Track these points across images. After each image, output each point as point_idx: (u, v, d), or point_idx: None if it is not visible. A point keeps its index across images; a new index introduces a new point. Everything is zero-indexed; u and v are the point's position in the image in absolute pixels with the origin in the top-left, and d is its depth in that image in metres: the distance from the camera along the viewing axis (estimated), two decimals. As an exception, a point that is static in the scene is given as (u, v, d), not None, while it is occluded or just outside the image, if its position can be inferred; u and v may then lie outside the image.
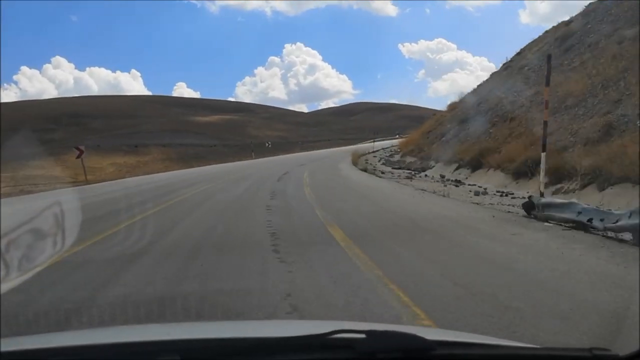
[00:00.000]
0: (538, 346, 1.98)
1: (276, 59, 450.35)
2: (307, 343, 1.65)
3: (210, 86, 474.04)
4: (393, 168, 26.68)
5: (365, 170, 24.57)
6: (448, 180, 17.88)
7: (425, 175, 21.14)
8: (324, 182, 19.58)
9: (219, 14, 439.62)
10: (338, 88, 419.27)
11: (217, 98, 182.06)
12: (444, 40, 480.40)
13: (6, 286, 5.43)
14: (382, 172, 23.32)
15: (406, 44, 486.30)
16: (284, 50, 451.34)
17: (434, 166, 23.35)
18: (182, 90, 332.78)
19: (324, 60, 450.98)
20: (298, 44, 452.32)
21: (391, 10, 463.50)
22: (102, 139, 68.21)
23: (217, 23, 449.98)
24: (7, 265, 5.75)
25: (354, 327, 1.79)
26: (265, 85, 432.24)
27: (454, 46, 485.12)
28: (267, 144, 68.26)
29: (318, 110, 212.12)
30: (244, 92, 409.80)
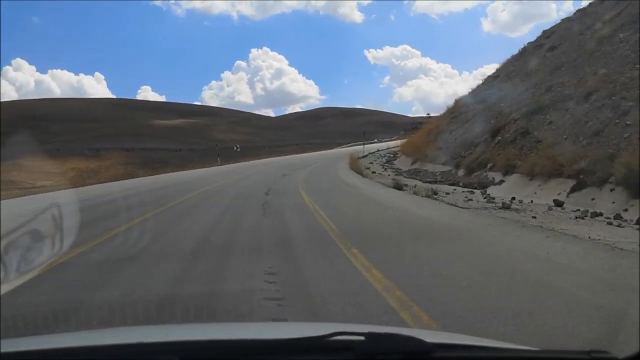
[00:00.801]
0: (537, 349, 1.96)
1: (242, 63, 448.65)
2: (306, 345, 1.63)
3: (176, 90, 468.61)
4: (431, 182, 17.90)
5: (398, 187, 15.72)
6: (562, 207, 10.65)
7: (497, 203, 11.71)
8: (373, 227, 8.93)
9: (185, 17, 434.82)
10: (305, 93, 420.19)
11: (183, 102, 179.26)
12: (408, 47, 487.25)
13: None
14: (434, 193, 13.48)
15: (372, 50, 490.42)
16: (251, 55, 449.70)
17: (502, 181, 15.03)
18: (147, 93, 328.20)
19: (290, 65, 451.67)
20: (264, 48, 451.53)
21: (357, 16, 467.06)
22: (63, 143, 66.18)
23: (183, 26, 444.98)
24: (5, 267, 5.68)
25: (354, 329, 1.70)
26: (231, 90, 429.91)
27: (419, 53, 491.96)
28: (235, 148, 61.86)
29: (285, 114, 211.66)
30: (210, 96, 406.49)
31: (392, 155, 40.03)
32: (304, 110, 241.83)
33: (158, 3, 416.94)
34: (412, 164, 28.36)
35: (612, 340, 3.51)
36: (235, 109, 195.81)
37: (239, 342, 1.81)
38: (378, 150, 48.33)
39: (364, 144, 54.37)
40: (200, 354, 1.67)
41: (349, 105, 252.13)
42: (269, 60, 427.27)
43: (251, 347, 1.70)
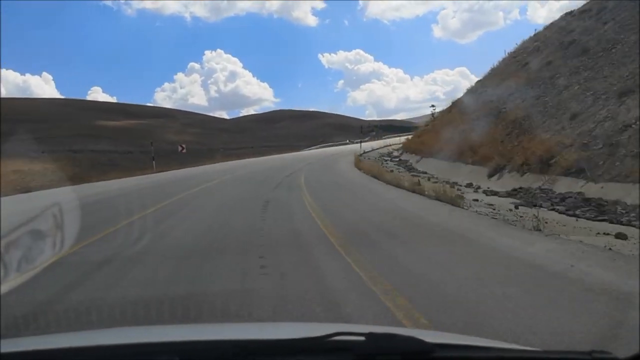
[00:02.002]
0: (538, 349, 1.95)
1: (196, 65, 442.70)
2: (306, 345, 1.64)
3: (128, 91, 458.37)
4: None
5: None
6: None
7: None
8: None
9: (136, 17, 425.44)
10: (259, 96, 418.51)
11: (135, 103, 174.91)
12: (361, 52, 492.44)
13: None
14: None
15: (326, 54, 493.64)
16: (204, 57, 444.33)
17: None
18: (98, 94, 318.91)
19: (244, 67, 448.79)
20: (218, 50, 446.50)
21: (311, 20, 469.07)
22: (6, 144, 63.15)
23: (134, 27, 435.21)
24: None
25: (354, 329, 1.73)
26: (185, 92, 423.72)
27: (371, 57, 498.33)
28: (180, 148, 50.17)
29: (240, 117, 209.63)
30: (163, 98, 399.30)
31: (396, 158, 36.44)
32: (258, 112, 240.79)
33: (108, 3, 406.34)
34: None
35: (613, 341, 3.52)
36: (189, 110, 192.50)
37: (239, 342, 1.79)
38: (366, 152, 44.96)
39: (360, 142, 51.95)
40: (201, 354, 1.67)
41: (304, 108, 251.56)
42: (223, 63, 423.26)
43: (251, 347, 1.69)
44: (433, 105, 38.32)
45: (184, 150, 49.43)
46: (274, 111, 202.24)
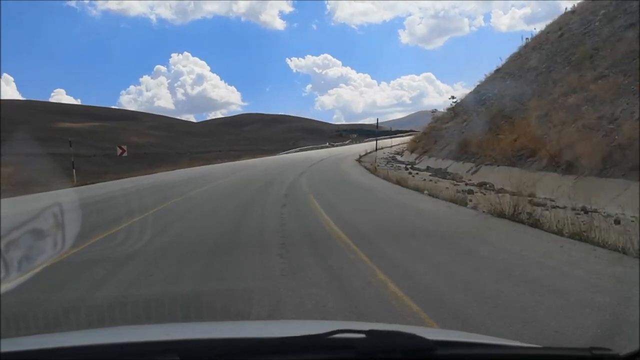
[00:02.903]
0: (538, 346, 1.91)
1: (162, 68, 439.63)
2: (307, 343, 1.63)
3: (93, 93, 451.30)
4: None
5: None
6: None
7: None
8: None
9: (100, 19, 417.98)
10: (227, 99, 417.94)
11: (100, 105, 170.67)
12: (329, 56, 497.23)
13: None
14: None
15: (294, 58, 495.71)
16: (171, 60, 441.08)
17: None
18: (61, 96, 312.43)
19: (212, 71, 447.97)
20: (185, 53, 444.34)
21: (279, 24, 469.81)
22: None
23: (99, 28, 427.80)
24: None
25: (354, 327, 1.75)
26: (151, 94, 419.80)
27: (339, 62, 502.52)
28: (119, 151, 38.70)
29: (208, 120, 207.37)
30: (129, 101, 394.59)
31: (410, 163, 29.31)
32: (226, 116, 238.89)
33: (72, 3, 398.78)
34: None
35: (613, 338, 3.47)
36: (155, 113, 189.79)
37: (240, 341, 1.82)
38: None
39: (376, 140, 47.80)
40: (201, 353, 1.63)
41: (272, 112, 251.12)
42: (190, 66, 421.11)
43: (252, 346, 1.70)
44: (453, 97, 34.56)
45: (125, 154, 38.76)
46: (241, 114, 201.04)
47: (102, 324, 4.84)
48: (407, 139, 55.62)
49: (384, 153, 42.42)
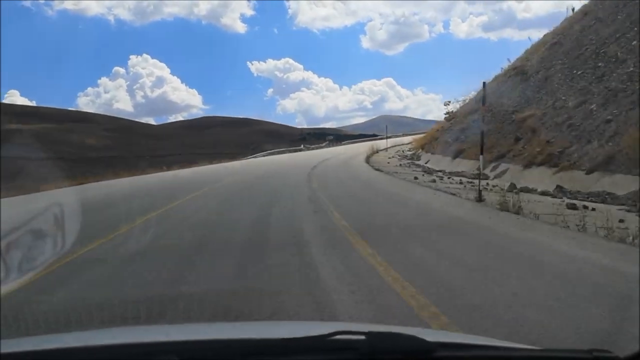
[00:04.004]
0: (539, 348, 1.94)
1: (121, 70, 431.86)
2: (307, 344, 1.62)
3: (49, 95, 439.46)
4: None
5: None
6: None
7: None
8: None
9: (57, 19, 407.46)
10: (188, 102, 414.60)
11: (56, 107, 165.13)
12: (291, 60, 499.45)
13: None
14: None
15: (255, 62, 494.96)
16: (130, 61, 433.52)
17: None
18: (15, 98, 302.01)
19: (172, 73, 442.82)
20: (144, 55, 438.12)
21: (240, 27, 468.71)
22: None
23: (55, 29, 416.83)
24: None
25: (355, 328, 1.74)
26: (109, 97, 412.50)
27: (301, 67, 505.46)
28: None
29: (168, 123, 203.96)
30: (86, 103, 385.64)
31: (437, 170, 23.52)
32: (187, 119, 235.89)
33: (27, 3, 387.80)
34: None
35: (613, 340, 3.54)
36: (114, 115, 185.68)
37: (240, 342, 1.81)
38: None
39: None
40: (201, 354, 1.63)
41: (234, 115, 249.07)
42: (149, 68, 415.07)
43: (252, 347, 1.68)
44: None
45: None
46: (203, 118, 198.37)
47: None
48: (407, 139, 54.14)
49: (391, 155, 38.30)
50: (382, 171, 23.33)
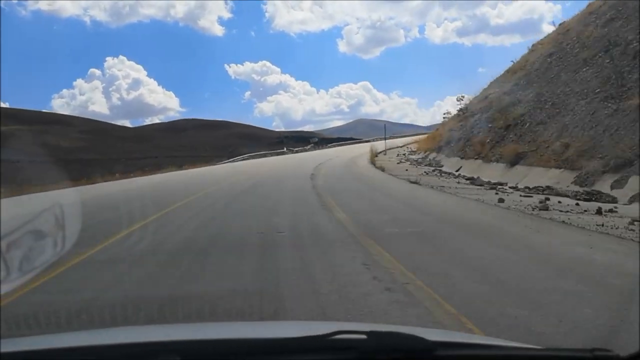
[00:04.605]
0: (539, 347, 1.90)
1: (97, 72, 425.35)
2: (308, 344, 1.62)
3: (23, 97, 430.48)
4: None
5: None
6: None
7: None
8: None
9: (31, 20, 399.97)
10: (164, 105, 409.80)
11: (30, 108, 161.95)
12: (268, 64, 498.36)
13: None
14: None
15: (232, 64, 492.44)
16: (106, 63, 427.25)
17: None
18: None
19: (149, 75, 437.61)
20: (121, 57, 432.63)
21: (218, 30, 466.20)
22: None
23: (29, 30, 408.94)
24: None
25: (355, 327, 1.77)
26: (85, 99, 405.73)
27: (278, 70, 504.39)
28: None
29: (144, 125, 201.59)
30: (61, 105, 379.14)
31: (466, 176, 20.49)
32: (164, 121, 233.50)
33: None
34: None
35: (613, 340, 3.52)
36: (89, 118, 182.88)
37: (241, 342, 1.80)
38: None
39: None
40: (202, 354, 1.63)
41: (211, 118, 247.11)
42: (125, 70, 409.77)
43: (253, 347, 1.68)
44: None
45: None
46: (180, 120, 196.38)
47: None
48: (410, 139, 52.77)
49: (399, 159, 34.66)
50: (419, 184, 18.38)
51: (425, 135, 45.75)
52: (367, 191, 17.52)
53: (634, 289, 4.60)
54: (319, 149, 64.67)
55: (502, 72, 31.39)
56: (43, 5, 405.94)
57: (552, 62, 23.09)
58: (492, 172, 19.91)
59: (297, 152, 61.01)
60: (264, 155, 56.00)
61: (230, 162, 50.98)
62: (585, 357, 1.53)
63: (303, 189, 18.19)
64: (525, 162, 18.01)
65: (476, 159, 23.02)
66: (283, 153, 58.60)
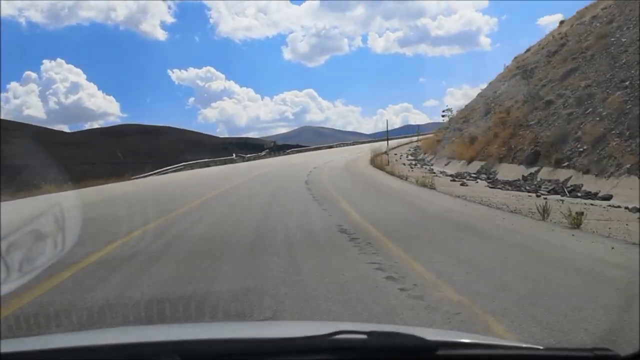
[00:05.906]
0: (539, 346, 1.85)
1: (33, 75, 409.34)
2: (308, 344, 1.61)
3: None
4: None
5: None
6: None
7: None
8: None
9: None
10: (105, 109, 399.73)
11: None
12: (212, 69, 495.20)
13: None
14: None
15: (176, 70, 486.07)
16: (42, 66, 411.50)
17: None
18: None
19: (88, 79, 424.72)
20: (59, 60, 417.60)
21: (160, 34, 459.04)
22: None
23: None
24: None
25: (356, 327, 1.74)
26: (19, 102, 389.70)
27: (223, 76, 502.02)
28: None
29: (83, 130, 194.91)
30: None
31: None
32: (104, 126, 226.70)
33: None
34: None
35: (613, 339, 3.47)
36: (23, 122, 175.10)
37: (241, 342, 1.79)
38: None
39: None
40: (202, 354, 1.62)
41: (154, 123, 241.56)
42: (64, 73, 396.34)
43: (253, 347, 1.67)
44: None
45: None
46: (122, 125, 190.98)
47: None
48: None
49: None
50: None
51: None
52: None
53: (634, 289, 4.65)
54: (274, 155, 57.03)
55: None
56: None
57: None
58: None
59: (249, 159, 51.64)
60: (207, 164, 44.98)
61: (152, 174, 36.06)
62: (586, 356, 1.54)
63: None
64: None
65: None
66: (232, 161, 49.12)
